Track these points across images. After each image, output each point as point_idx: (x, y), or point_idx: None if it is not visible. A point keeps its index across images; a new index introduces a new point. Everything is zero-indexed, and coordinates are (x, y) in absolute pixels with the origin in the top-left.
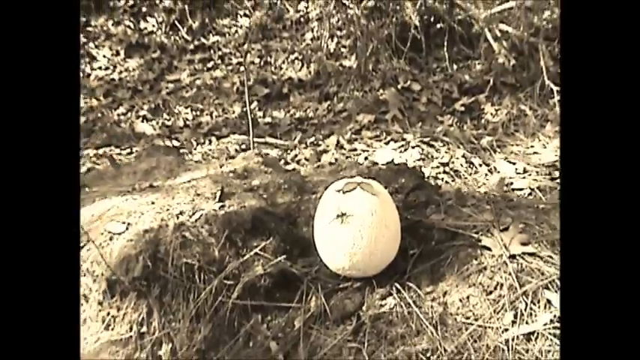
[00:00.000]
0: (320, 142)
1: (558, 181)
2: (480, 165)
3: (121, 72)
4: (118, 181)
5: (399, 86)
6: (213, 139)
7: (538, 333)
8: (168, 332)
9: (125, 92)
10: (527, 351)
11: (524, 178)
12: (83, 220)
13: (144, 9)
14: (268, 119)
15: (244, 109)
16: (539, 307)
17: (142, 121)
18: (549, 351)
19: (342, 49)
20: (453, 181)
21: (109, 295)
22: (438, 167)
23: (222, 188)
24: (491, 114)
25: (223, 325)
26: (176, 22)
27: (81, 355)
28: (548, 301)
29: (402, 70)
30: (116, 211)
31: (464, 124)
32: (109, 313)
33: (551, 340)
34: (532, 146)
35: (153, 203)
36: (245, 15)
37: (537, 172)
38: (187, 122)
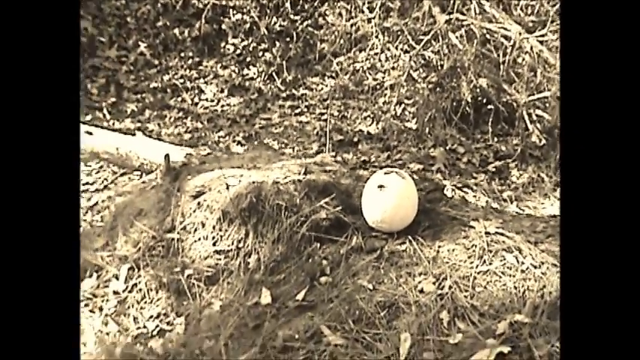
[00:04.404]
0: None
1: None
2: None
3: (223, 106)
4: (230, 162)
5: (447, 147)
6: None
7: (490, 271)
8: (256, 248)
9: (225, 122)
10: (483, 279)
11: None
12: (206, 177)
13: (248, 59)
14: (339, 158)
15: (320, 147)
16: (496, 259)
17: (237, 145)
18: (495, 280)
19: (407, 113)
20: None
21: (221, 222)
22: None
23: (305, 167)
24: (516, 177)
25: (294, 247)
26: (273, 74)
27: (193, 263)
28: (503, 257)
29: (452, 136)
30: (231, 174)
31: (492, 181)
32: (218, 234)
33: (498, 275)
34: (543, 203)
35: (257, 173)
36: (331, 77)
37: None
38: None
